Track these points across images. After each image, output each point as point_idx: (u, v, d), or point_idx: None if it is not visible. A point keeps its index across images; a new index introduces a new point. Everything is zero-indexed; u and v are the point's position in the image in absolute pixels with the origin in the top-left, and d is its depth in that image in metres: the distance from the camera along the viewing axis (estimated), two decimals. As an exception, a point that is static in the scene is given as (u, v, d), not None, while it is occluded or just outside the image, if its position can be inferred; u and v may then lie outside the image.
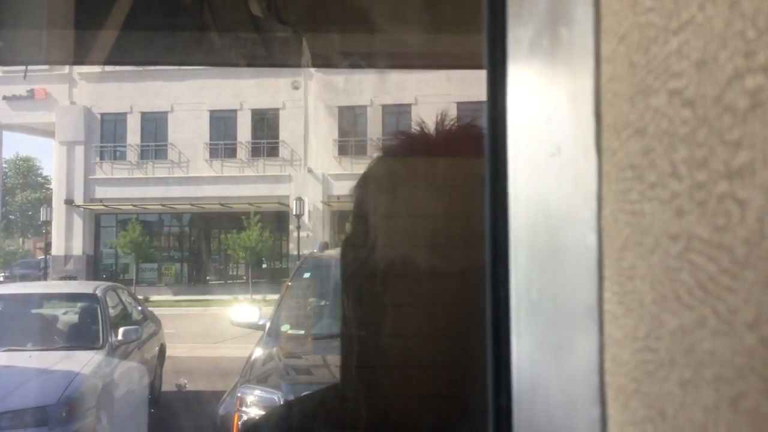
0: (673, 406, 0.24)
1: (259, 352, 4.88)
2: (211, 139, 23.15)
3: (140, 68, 22.68)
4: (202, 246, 24.35)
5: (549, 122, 0.32)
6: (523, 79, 0.33)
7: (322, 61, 1.68)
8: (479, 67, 0.39)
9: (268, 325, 5.20)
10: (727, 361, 0.20)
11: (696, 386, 0.22)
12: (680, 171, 0.23)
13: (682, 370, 0.23)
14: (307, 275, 5.64)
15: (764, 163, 0.18)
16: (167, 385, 7.29)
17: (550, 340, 0.32)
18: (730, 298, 0.20)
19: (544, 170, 0.32)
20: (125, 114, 23.34)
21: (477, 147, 0.65)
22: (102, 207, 22.68)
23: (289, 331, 5.07)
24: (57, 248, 22.64)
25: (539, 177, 0.32)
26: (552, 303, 0.32)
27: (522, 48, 0.33)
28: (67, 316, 6.58)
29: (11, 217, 40.40)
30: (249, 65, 1.72)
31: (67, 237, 22.60)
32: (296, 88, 20.90)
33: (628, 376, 0.28)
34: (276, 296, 6.99)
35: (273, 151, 22.62)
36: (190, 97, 22.68)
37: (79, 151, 23.00)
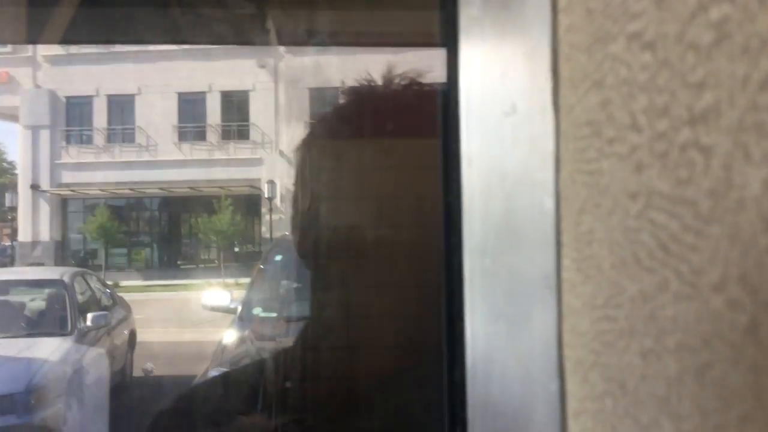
0: (633, 379, 0.22)
1: (230, 336, 4.84)
2: (180, 122, 22.83)
3: (106, 50, 22.24)
4: (172, 230, 24.10)
5: (503, 79, 0.29)
6: (476, 33, 0.31)
7: (289, 40, 1.64)
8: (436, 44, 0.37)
9: (239, 308, 5.15)
10: (691, 327, 0.18)
11: (658, 356, 0.20)
12: (640, 122, 0.21)
13: (643, 339, 0.21)
14: (278, 258, 5.59)
15: (730, 104, 0.16)
16: (138, 371, 7.22)
17: (506, 311, 0.30)
18: (694, 257, 0.18)
19: (498, 131, 0.30)
20: (91, 97, 22.89)
21: (428, 105, 0.61)
22: (69, 192, 22.29)
23: (261, 314, 5.03)
24: (24, 234, 22.24)
25: (493, 138, 0.30)
26: (507, 272, 0.30)
27: (475, 1, 0.31)
28: (35, 302, 6.46)
29: (-24, 203, 39.61)
30: (214, 44, 1.68)
31: (33, 223, 22.20)
32: (262, 66, 20.64)
33: (587, 347, 0.26)
34: (248, 280, 6.93)
35: (243, 134, 22.39)
36: (157, 79, 22.31)
37: (45, 135, 22.55)
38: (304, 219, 0.64)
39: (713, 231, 0.17)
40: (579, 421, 0.27)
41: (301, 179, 0.65)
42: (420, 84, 0.66)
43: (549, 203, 0.29)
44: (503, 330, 0.29)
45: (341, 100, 0.68)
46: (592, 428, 0.26)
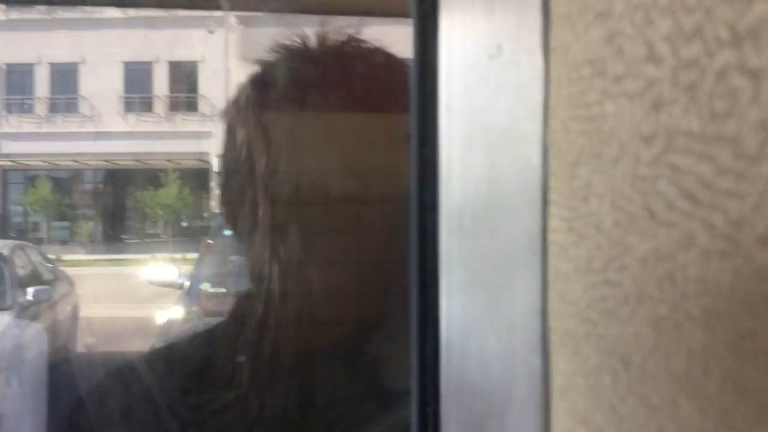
0: (640, 351, 0.19)
1: (177, 312, 4.75)
2: (125, 93, 22.22)
3: (49, 17, 21.45)
4: (117, 204, 23.55)
5: (489, 17, 0.26)
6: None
7: (242, 5, 1.58)
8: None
9: (187, 283, 5.06)
10: (725, 290, 0.15)
11: (676, 325, 0.17)
12: (659, 51, 0.18)
13: (656, 305, 0.18)
14: (228, 232, 5.50)
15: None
16: (82, 347, 7.06)
17: (485, 278, 0.27)
18: (733, 206, 0.15)
19: (482, 76, 0.26)
20: (33, 65, 22.07)
21: (367, 67, 0.57)
22: (9, 163, 21.54)
23: (210, 290, 4.94)
24: (-40, 206, 21.47)
25: (476, 84, 0.26)
26: (488, 234, 0.27)
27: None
28: (-29, 277, 6.23)
29: None
30: (162, 6, 1.61)
31: (-29, 194, 21.44)
32: (211, 32, 20.16)
33: (579, 317, 0.23)
34: (196, 255, 6.81)
35: (192, 106, 21.93)
36: (102, 48, 21.63)
37: (-17, 103, 21.71)
38: (237, 191, 0.59)
39: (763, 171, 0.14)
40: (567, 399, 0.24)
41: (230, 149, 0.60)
42: (359, 42, 0.62)
43: (535, 157, 0.26)
44: (482, 299, 0.26)
45: (269, 63, 0.63)
46: (584, 407, 0.23)
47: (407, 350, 0.53)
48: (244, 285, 0.64)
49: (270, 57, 0.62)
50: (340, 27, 0.62)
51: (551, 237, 0.25)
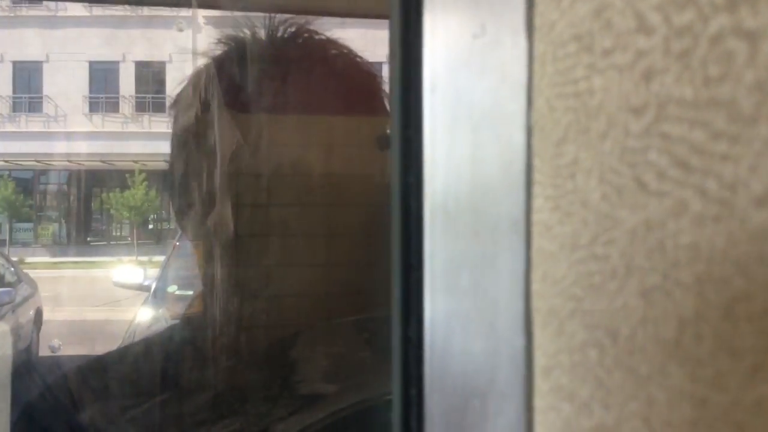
0: (629, 323, 0.19)
1: (143, 314, 4.70)
2: (91, 92, 21.89)
3: (12, 14, 21.04)
4: (82, 205, 23.17)
5: (473, -4, 0.26)
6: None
7: (211, 3, 1.57)
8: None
9: (153, 286, 5.00)
10: (718, 254, 0.15)
11: (666, 294, 0.17)
12: (651, 21, 0.18)
13: (645, 276, 0.18)
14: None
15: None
16: (44, 350, 6.92)
17: (469, 260, 0.27)
18: (727, 169, 0.15)
19: (466, 56, 0.26)
20: (-5, 63, 21.67)
21: (319, 59, 0.56)
22: (-30, 163, 21.11)
23: (177, 292, 4.89)
24: None
25: (460, 64, 0.26)
26: (472, 216, 0.27)
27: None
28: (-70, 279, 6.09)
29: None
30: (130, 3, 1.60)
31: (-71, 194, 20.93)
32: (180, 30, 19.97)
33: (563, 294, 0.23)
34: (163, 258, 6.73)
35: (160, 107, 21.67)
36: (67, 46, 21.29)
37: (-58, 101, 21.23)
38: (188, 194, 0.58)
39: (760, 132, 0.14)
40: (551, 378, 0.24)
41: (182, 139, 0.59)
42: (310, 33, 0.60)
43: (519, 138, 0.26)
44: (465, 281, 0.26)
45: (218, 56, 0.61)
46: (569, 384, 0.23)
47: (333, 355, 0.53)
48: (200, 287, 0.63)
49: (219, 49, 0.61)
50: (294, 20, 0.60)
51: (535, 217, 0.25)
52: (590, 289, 0.22)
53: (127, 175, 20.57)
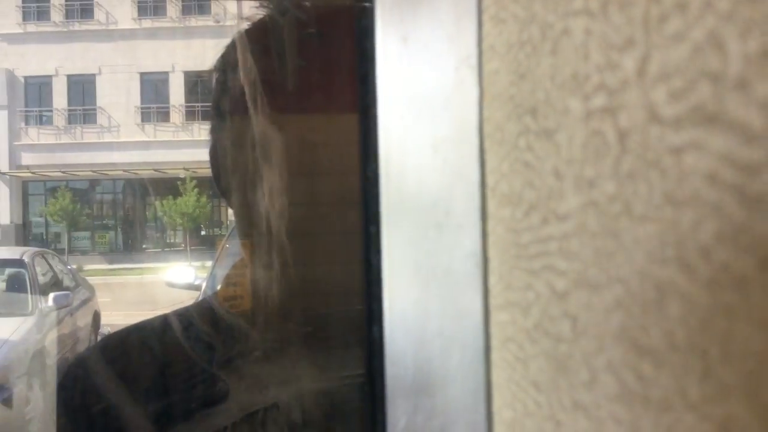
0: (564, 279, 0.22)
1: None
2: (142, 103, 22.47)
3: (65, 29, 21.74)
4: (136, 213, 23.78)
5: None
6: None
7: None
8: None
9: (204, 285, 5.11)
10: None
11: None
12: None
13: (599, 238, 0.21)
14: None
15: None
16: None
17: (424, 235, 0.30)
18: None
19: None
20: (50, 77, 22.39)
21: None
22: (29, 174, 21.84)
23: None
24: (-17, 218, 21.78)
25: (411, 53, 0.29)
26: (428, 190, 0.30)
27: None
28: (-5, 283, 6.34)
29: (-68, 187, 38.52)
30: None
31: (-7, 206, 21.77)
32: (218, 22, 20.17)
33: (520, 253, 0.26)
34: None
35: (208, 115, 22.06)
36: (118, 59, 21.91)
37: (3, 116, 22.03)
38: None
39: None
40: (507, 347, 0.27)
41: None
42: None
43: (473, 118, 0.28)
44: (420, 251, 0.29)
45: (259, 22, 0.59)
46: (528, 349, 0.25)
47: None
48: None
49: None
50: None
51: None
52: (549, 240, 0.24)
53: (178, 183, 21.03)
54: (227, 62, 0.62)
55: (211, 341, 0.60)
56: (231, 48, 0.61)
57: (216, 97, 0.63)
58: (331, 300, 0.56)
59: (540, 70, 0.23)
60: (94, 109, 22.50)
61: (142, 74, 22.37)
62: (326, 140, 0.55)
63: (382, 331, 0.31)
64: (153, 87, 22.61)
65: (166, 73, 22.34)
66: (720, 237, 0.12)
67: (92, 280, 9.66)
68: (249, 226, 0.59)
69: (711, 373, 0.13)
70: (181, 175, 20.38)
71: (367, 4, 0.34)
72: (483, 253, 0.29)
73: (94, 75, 22.38)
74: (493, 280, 0.28)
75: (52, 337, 5.76)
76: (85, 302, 7.18)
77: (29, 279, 5.99)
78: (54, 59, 21.96)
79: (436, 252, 0.30)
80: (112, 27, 21.97)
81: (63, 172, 21.70)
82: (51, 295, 6.03)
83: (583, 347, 0.18)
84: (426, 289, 0.30)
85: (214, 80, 0.62)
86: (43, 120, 22.73)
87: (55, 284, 6.64)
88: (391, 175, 0.31)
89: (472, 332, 0.29)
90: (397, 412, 0.30)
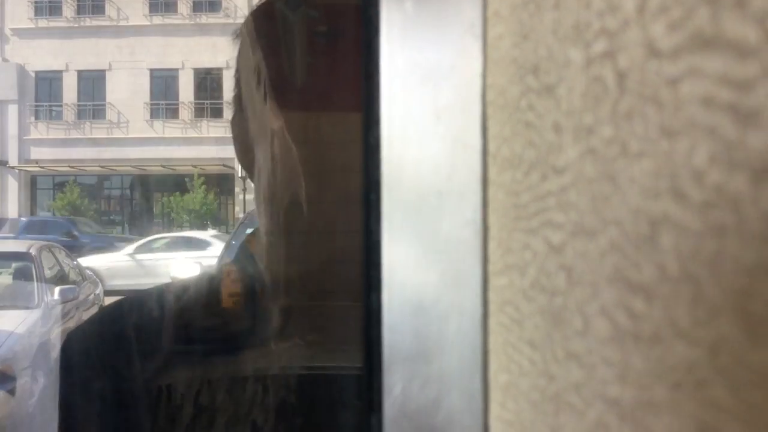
0: (559, 232, 0.22)
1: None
2: (151, 99, 22.54)
3: (76, 24, 21.83)
4: (144, 209, 23.85)
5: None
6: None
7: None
8: None
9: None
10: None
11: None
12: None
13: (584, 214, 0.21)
14: (250, 231, 5.56)
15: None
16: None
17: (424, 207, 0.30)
18: None
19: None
20: (61, 72, 22.49)
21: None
22: (38, 168, 21.95)
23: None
24: (-9, 211, 21.89)
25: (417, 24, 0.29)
26: (430, 168, 0.30)
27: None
28: (1, 276, 6.36)
29: (-58, 180, 38.75)
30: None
31: (1, 199, 21.87)
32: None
33: (519, 218, 0.26)
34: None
35: (217, 112, 22.17)
36: (128, 55, 21.99)
37: (13, 110, 22.15)
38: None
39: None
40: (504, 312, 0.27)
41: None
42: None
43: (476, 100, 0.28)
44: (423, 224, 0.29)
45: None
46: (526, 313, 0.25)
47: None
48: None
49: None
50: None
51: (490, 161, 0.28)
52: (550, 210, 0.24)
53: (186, 179, 21.09)
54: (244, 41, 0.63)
55: (215, 309, 0.61)
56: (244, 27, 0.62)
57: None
58: (332, 269, 0.56)
59: (543, 26, 0.23)
60: (104, 105, 22.58)
61: (151, 70, 22.44)
62: (328, 108, 0.55)
63: (380, 298, 0.31)
64: (162, 83, 22.68)
65: (176, 69, 22.41)
66: (713, 159, 0.12)
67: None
68: (259, 195, 0.60)
69: (700, 298, 0.13)
70: (191, 172, 20.44)
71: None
72: (483, 220, 0.29)
73: (104, 71, 22.46)
74: (492, 246, 0.28)
75: (57, 330, 5.78)
76: (91, 296, 7.21)
77: (36, 272, 6.01)
78: (65, 54, 22.06)
79: (436, 220, 0.30)
80: (123, 23, 22.04)
81: (71, 167, 21.79)
82: (57, 289, 6.04)
83: (577, 296, 0.18)
84: (425, 257, 0.30)
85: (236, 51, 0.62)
86: (52, 115, 22.83)
87: (62, 278, 6.66)
88: (393, 142, 0.31)
89: (470, 299, 0.29)
90: (393, 378, 0.30)
